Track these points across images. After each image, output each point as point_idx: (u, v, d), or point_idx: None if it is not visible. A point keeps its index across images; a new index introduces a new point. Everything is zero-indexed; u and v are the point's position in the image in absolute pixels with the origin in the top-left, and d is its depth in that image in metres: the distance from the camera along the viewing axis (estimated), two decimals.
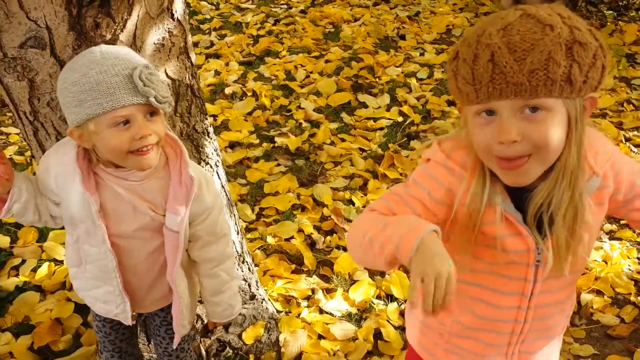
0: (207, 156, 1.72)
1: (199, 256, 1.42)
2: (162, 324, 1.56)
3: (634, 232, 2.56)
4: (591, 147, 0.97)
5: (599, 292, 2.27)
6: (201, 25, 4.93)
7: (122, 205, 1.27)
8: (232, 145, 3.35)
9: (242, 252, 1.98)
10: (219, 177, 1.81)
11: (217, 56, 4.41)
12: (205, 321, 1.90)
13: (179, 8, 1.48)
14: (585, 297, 2.25)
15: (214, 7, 5.32)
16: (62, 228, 1.39)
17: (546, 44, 0.82)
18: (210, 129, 1.75)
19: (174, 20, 1.47)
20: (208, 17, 5.09)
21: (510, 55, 0.83)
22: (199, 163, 1.68)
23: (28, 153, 3.19)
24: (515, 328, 1.11)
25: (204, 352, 1.92)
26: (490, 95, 0.86)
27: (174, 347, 1.55)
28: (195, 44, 4.56)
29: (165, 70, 1.50)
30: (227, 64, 4.27)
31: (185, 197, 1.28)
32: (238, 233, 1.96)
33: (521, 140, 0.87)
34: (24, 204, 1.25)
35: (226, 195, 1.86)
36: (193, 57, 1.61)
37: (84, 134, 1.17)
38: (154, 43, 1.44)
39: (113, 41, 1.31)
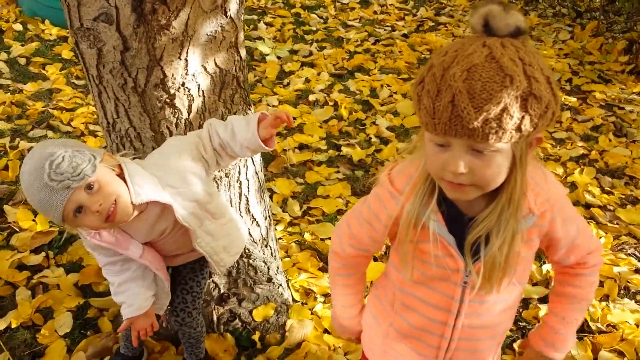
0: None
1: (214, 142, 1.53)
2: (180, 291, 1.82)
3: None
4: (536, 185, 1.03)
5: (620, 353, 2.18)
6: (305, 36, 5.22)
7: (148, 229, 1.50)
8: (302, 147, 3.55)
9: (267, 237, 2.15)
10: (254, 164, 2.00)
11: (312, 65, 4.66)
12: (222, 290, 2.09)
13: (232, 7, 1.69)
14: (604, 354, 2.16)
15: (322, 21, 5.61)
16: None
17: (503, 96, 0.85)
18: None
19: (226, 17, 1.68)
20: (314, 29, 5.37)
21: (469, 102, 0.85)
22: None
23: None
24: (441, 343, 1.17)
25: (215, 319, 2.11)
26: (447, 132, 0.90)
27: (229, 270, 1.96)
28: (295, 52, 4.85)
29: (215, 60, 1.72)
30: (318, 74, 4.50)
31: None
32: (266, 219, 2.13)
33: (467, 172, 0.93)
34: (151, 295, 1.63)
35: (258, 181, 2.04)
36: (243, 52, 1.81)
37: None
38: (206, 34, 1.65)
39: (167, 26, 1.55)
